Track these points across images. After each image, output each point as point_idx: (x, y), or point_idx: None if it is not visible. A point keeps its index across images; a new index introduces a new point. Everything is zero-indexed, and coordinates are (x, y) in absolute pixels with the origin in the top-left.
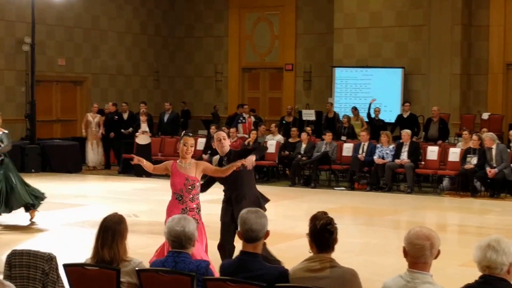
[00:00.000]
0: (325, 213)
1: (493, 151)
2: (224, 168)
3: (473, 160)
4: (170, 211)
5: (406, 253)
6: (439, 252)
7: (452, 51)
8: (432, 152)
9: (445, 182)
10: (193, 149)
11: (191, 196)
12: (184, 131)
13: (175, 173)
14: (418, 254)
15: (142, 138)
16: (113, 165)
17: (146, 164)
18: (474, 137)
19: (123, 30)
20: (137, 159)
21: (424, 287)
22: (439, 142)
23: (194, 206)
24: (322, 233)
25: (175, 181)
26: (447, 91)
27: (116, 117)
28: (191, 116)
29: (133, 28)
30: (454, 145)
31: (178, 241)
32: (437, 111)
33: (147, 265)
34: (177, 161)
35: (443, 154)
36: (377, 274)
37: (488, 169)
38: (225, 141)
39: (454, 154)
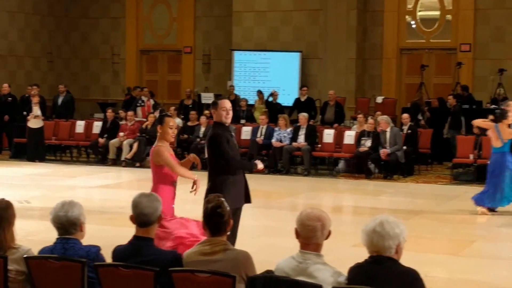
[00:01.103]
0: (218, 195)
1: (387, 134)
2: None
3: (367, 143)
4: (170, 205)
5: (298, 234)
6: (329, 232)
7: (348, 36)
8: (328, 135)
9: (341, 165)
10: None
11: None
12: (159, 110)
13: (174, 158)
14: (310, 235)
15: (34, 122)
16: (6, 150)
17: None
18: (370, 120)
19: (14, 10)
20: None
21: (315, 268)
22: (335, 125)
23: None
24: (213, 216)
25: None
26: (343, 75)
27: (10, 98)
28: (81, 99)
29: (25, 8)
30: (349, 128)
31: (63, 227)
32: (333, 95)
33: (36, 252)
34: (159, 144)
35: (339, 137)
36: (274, 256)
37: (381, 150)
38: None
39: (349, 137)
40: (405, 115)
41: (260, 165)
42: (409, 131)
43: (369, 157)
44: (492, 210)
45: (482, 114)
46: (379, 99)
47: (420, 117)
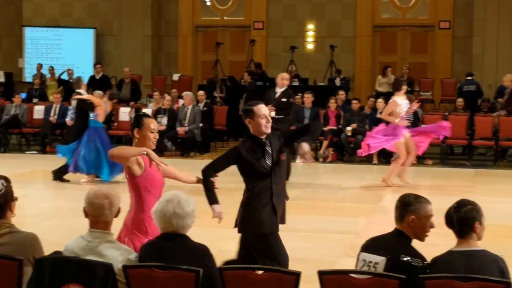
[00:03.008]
0: None
1: (189, 111)
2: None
3: (164, 120)
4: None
5: (86, 213)
6: (119, 210)
7: (143, 13)
8: (124, 113)
9: None
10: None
11: None
12: (134, 109)
13: (153, 167)
14: (98, 213)
15: None
16: None
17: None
18: (167, 97)
19: None
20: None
21: (105, 246)
22: (131, 103)
23: None
24: None
25: (158, 177)
26: (139, 53)
27: None
28: None
29: None
30: (145, 106)
31: None
32: (129, 73)
33: None
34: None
35: None
36: (67, 237)
37: (179, 128)
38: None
39: None
40: (201, 92)
41: (216, 210)
42: (205, 108)
43: (165, 135)
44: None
45: None
46: (176, 77)
47: (216, 94)
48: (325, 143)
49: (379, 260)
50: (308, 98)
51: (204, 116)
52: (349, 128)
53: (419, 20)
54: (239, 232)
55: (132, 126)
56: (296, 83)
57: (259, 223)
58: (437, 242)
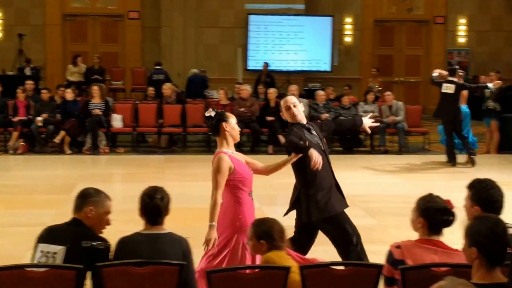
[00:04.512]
0: None
1: None
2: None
3: None
4: (249, 216)
5: None
6: None
7: None
8: None
9: None
10: None
11: None
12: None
13: (241, 166)
14: None
15: None
16: None
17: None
18: None
19: None
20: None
21: None
22: None
23: None
24: None
25: (248, 174)
26: None
27: None
28: None
29: None
30: None
31: None
32: None
33: None
34: (224, 150)
35: None
36: None
37: None
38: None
39: None
40: None
41: (314, 153)
42: None
43: None
44: None
45: None
46: None
47: None
48: (15, 134)
49: (58, 250)
50: None
51: None
52: (39, 118)
53: (108, 10)
54: (310, 220)
55: (218, 122)
56: None
57: (333, 204)
58: (128, 229)
